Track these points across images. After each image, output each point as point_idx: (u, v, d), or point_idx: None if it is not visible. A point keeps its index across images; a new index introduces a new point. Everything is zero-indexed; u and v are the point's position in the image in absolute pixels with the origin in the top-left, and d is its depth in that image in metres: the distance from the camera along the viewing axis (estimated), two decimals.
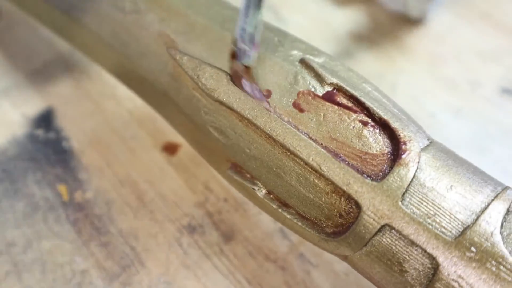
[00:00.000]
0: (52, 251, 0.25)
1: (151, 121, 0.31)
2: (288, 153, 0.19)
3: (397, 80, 0.33)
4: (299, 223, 0.19)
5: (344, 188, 0.18)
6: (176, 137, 0.30)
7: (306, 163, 0.19)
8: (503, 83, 0.33)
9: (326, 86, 0.20)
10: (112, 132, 0.30)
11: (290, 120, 0.19)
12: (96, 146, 0.29)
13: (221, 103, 0.20)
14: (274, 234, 0.26)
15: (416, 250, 0.17)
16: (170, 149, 0.29)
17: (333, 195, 0.18)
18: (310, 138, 0.19)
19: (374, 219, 0.17)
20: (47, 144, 0.29)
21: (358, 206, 0.18)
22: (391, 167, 0.18)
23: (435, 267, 0.16)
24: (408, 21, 0.36)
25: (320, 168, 0.18)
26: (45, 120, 0.31)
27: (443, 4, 0.18)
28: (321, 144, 0.19)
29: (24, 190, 0.27)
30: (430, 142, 0.19)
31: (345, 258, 0.19)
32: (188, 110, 0.22)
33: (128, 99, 0.32)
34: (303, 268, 0.25)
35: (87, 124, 0.30)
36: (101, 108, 0.31)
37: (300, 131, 0.19)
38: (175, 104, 0.22)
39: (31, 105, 0.31)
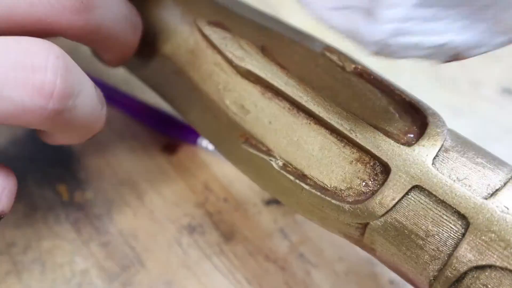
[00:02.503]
0: (52, 251, 0.25)
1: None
2: (313, 123, 0.19)
3: (397, 80, 0.33)
4: (318, 193, 0.19)
5: (375, 151, 0.18)
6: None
7: (334, 131, 0.19)
8: (503, 83, 0.33)
9: (351, 69, 0.20)
10: (112, 132, 0.30)
11: (319, 93, 0.20)
12: (96, 146, 0.29)
13: (248, 73, 0.20)
14: (274, 234, 0.26)
15: (446, 211, 0.17)
16: (170, 149, 0.29)
17: (358, 163, 0.19)
18: (340, 107, 0.19)
19: (404, 181, 0.17)
20: (47, 144, 0.29)
21: (385, 171, 0.18)
22: (418, 138, 0.18)
23: (466, 227, 0.16)
24: None
25: (350, 132, 0.18)
26: None
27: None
28: (351, 113, 0.19)
29: (24, 190, 0.27)
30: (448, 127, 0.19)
31: (361, 233, 0.19)
32: (205, 86, 0.22)
33: None
34: (303, 268, 0.25)
35: None
36: None
37: (329, 100, 0.19)
38: (189, 82, 0.22)
39: None
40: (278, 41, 0.22)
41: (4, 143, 0.29)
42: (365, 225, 0.18)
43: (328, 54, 0.21)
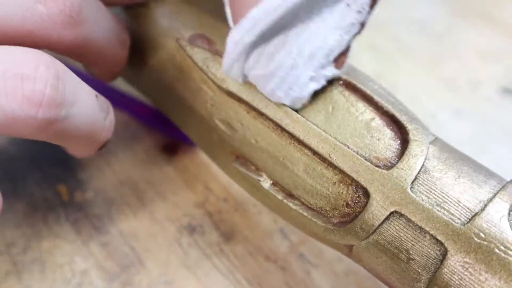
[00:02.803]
0: (51, 251, 0.25)
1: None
2: (296, 143, 0.19)
3: (397, 80, 0.33)
4: (305, 213, 0.19)
5: (354, 175, 0.18)
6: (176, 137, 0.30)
7: (315, 152, 0.19)
8: (503, 83, 0.33)
9: (334, 81, 0.20)
10: (112, 132, 0.30)
11: (299, 112, 0.19)
12: None
13: (230, 94, 0.20)
14: (274, 234, 0.26)
15: (424, 236, 0.17)
16: (170, 149, 0.29)
17: (341, 184, 0.19)
18: (319, 128, 0.19)
19: (383, 206, 0.17)
20: (47, 144, 0.29)
21: (366, 194, 0.18)
22: (399, 157, 0.18)
23: (444, 253, 0.16)
24: (411, 23, 0.36)
25: (329, 156, 0.18)
26: None
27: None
28: (330, 134, 0.19)
29: (23, 190, 0.27)
30: (435, 138, 0.19)
31: (349, 250, 0.19)
32: (194, 103, 0.22)
33: None
34: (303, 268, 0.25)
35: None
36: None
37: (309, 121, 0.19)
38: (180, 98, 0.22)
39: None
40: (244, 85, 0.21)
41: (4, 143, 0.29)
42: (351, 244, 0.19)
43: None
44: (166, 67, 0.23)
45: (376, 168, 0.18)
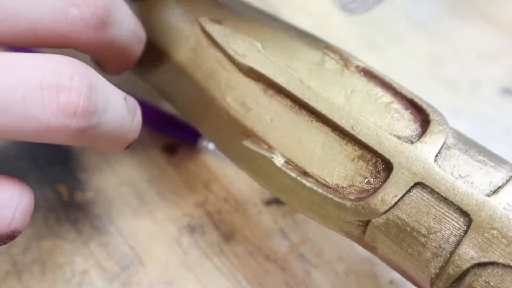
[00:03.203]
0: (52, 251, 0.25)
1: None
2: (315, 120, 0.19)
3: (397, 80, 0.33)
4: (319, 190, 0.19)
5: (377, 148, 0.18)
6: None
7: (335, 129, 0.19)
8: (503, 83, 0.33)
9: (352, 68, 0.20)
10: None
11: (320, 90, 0.20)
12: None
13: (250, 70, 0.20)
14: (274, 234, 0.26)
15: (449, 208, 0.17)
16: (170, 149, 0.29)
17: (360, 160, 0.19)
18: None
19: (407, 177, 0.17)
20: (47, 144, 0.29)
21: (387, 168, 0.18)
22: (420, 135, 0.18)
23: (468, 224, 0.16)
24: (411, 23, 0.36)
25: (352, 129, 0.18)
26: None
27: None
28: (353, 110, 0.19)
29: None
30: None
31: (362, 231, 0.19)
32: (206, 84, 0.22)
33: None
34: (303, 268, 0.25)
35: None
36: None
37: (331, 98, 0.19)
38: (191, 80, 0.22)
39: None
40: (279, 39, 0.22)
41: (4, 143, 0.29)
42: (367, 223, 0.18)
43: (329, 52, 0.21)
44: (181, 50, 0.23)
45: (400, 141, 0.18)
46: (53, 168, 0.28)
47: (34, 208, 0.27)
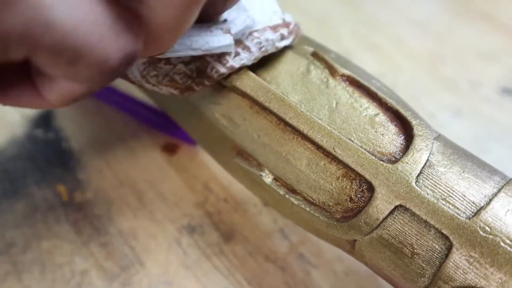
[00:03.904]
0: (51, 251, 0.25)
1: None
2: (300, 138, 0.19)
3: (397, 80, 0.33)
4: (307, 209, 0.19)
5: (358, 169, 0.18)
6: (175, 137, 0.30)
7: (319, 147, 0.19)
8: (503, 83, 0.33)
9: (338, 77, 0.20)
10: (112, 132, 0.30)
11: (303, 106, 0.19)
12: (96, 146, 0.29)
13: (234, 88, 0.20)
14: (274, 234, 0.26)
15: (429, 231, 0.17)
16: (170, 149, 0.29)
17: (344, 179, 0.19)
18: (323, 123, 0.19)
19: (387, 200, 0.17)
20: (47, 144, 0.29)
21: (370, 188, 0.18)
22: (403, 152, 0.18)
23: (449, 247, 0.16)
24: (411, 23, 0.36)
25: (333, 150, 0.18)
26: (45, 120, 0.31)
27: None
28: (334, 128, 0.19)
29: (23, 190, 0.27)
30: (438, 134, 0.19)
31: (351, 246, 0.19)
32: (195, 100, 0.22)
33: None
34: (303, 268, 0.25)
35: (87, 124, 0.30)
36: (101, 108, 0.31)
37: (314, 116, 0.19)
38: (181, 98, 0.22)
39: None
40: (248, 79, 0.21)
41: (4, 143, 0.29)
42: (354, 240, 0.18)
43: (314, 61, 0.21)
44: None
45: (381, 162, 0.18)
46: (53, 168, 0.28)
47: (34, 208, 0.27)
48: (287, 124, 0.19)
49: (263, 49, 0.20)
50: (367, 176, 0.18)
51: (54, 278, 0.24)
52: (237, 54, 0.20)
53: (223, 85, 0.21)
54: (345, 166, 0.18)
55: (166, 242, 0.26)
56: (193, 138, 0.24)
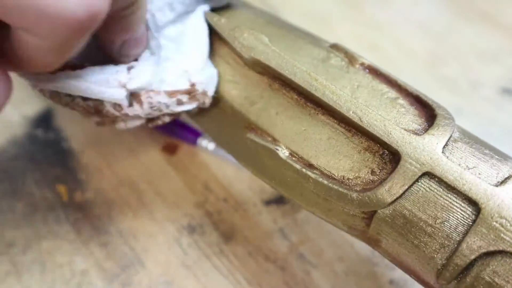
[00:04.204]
0: (51, 251, 0.25)
1: None
2: (321, 114, 0.19)
3: None
4: (325, 182, 0.19)
5: (384, 138, 0.18)
6: (176, 138, 0.30)
7: (342, 120, 0.19)
8: (503, 83, 0.33)
9: (358, 65, 0.20)
10: (112, 132, 0.30)
11: (327, 83, 0.20)
12: (96, 146, 0.29)
13: (257, 63, 0.20)
14: (274, 234, 0.26)
15: (457, 197, 0.17)
16: (170, 149, 0.29)
17: (367, 152, 0.19)
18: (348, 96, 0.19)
19: (415, 167, 0.17)
20: (47, 144, 0.29)
21: (394, 160, 0.18)
22: (427, 129, 0.18)
23: (476, 213, 0.16)
24: (411, 23, 0.36)
25: (360, 120, 0.18)
26: (45, 120, 0.31)
27: None
28: (360, 102, 0.19)
29: (23, 190, 0.27)
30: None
31: (367, 223, 0.18)
32: None
33: None
34: (303, 268, 0.25)
35: (87, 124, 0.30)
36: None
37: (338, 90, 0.19)
38: None
39: (30, 105, 0.31)
40: (284, 37, 0.22)
41: (4, 143, 0.29)
42: (372, 215, 0.18)
43: (333, 51, 0.21)
44: None
45: (407, 133, 0.18)
46: (53, 168, 0.28)
47: (34, 208, 0.27)
48: (308, 99, 0.20)
49: (154, 108, 0.21)
50: (393, 145, 0.18)
51: (54, 278, 0.24)
52: (131, 104, 0.21)
53: (242, 63, 0.21)
54: (369, 138, 0.19)
55: (166, 242, 0.26)
56: (198, 123, 0.24)
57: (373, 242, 0.19)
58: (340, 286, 0.24)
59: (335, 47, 0.21)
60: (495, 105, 0.32)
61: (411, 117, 0.19)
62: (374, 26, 0.36)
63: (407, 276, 0.24)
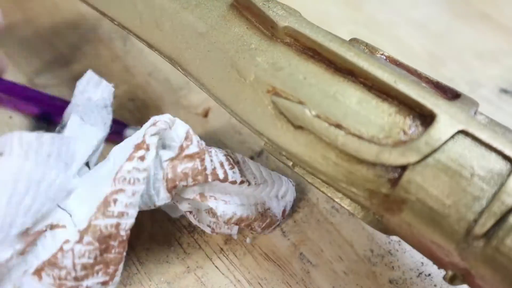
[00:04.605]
0: None
1: None
2: (351, 81, 0.20)
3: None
4: (355, 138, 0.19)
5: (419, 99, 0.18)
6: None
7: (376, 82, 0.19)
8: (502, 83, 0.33)
9: (378, 55, 0.21)
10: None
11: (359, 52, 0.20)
12: None
13: (290, 31, 0.21)
14: (274, 233, 0.26)
15: (491, 153, 0.17)
16: None
17: (397, 115, 0.19)
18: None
19: (450, 124, 0.18)
20: None
21: (427, 122, 0.18)
22: (455, 100, 0.19)
23: (511, 168, 0.17)
24: (411, 23, 0.36)
25: (395, 83, 0.19)
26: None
27: None
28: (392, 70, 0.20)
29: None
30: None
31: (393, 183, 0.18)
32: (233, 46, 0.22)
33: (129, 98, 0.32)
34: (303, 268, 0.25)
35: None
36: None
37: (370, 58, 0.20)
38: (214, 42, 0.23)
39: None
40: (307, 24, 0.22)
41: None
42: (400, 173, 0.18)
43: (354, 42, 0.22)
44: (207, 16, 0.23)
45: (441, 96, 0.19)
46: None
47: None
48: (338, 68, 0.20)
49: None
50: (428, 105, 0.18)
51: None
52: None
53: (269, 34, 0.22)
54: (400, 103, 0.19)
55: (167, 241, 0.26)
56: (212, 89, 0.23)
57: (395, 207, 0.19)
58: (340, 285, 0.24)
59: (354, 40, 0.22)
60: (494, 106, 0.32)
61: (437, 95, 0.19)
62: (374, 26, 0.36)
63: (406, 276, 0.24)
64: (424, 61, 0.34)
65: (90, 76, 0.26)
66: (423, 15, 0.37)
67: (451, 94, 0.20)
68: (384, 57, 0.21)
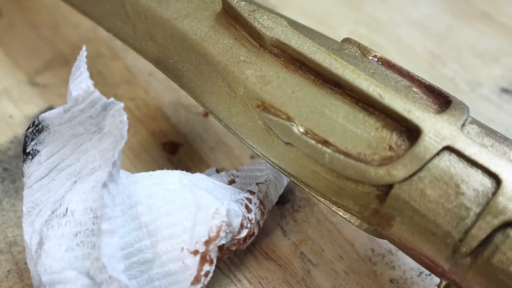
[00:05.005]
0: None
1: (151, 120, 0.31)
2: (338, 94, 0.20)
3: None
4: (341, 157, 0.19)
5: (405, 114, 0.18)
6: (176, 137, 0.30)
7: (363, 96, 0.19)
8: (502, 83, 0.33)
9: (370, 57, 0.21)
10: None
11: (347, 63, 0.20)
12: None
13: (277, 43, 0.21)
14: (274, 233, 0.26)
15: (477, 170, 0.17)
16: (171, 148, 0.30)
17: (384, 129, 0.19)
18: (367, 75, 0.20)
19: (435, 141, 0.18)
20: None
21: (413, 136, 0.18)
22: (443, 111, 0.19)
23: (497, 185, 0.17)
24: (411, 23, 0.36)
25: (380, 96, 0.19)
26: None
27: None
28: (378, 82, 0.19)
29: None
30: None
31: (380, 200, 0.18)
32: (223, 58, 0.22)
33: (128, 98, 0.32)
34: (303, 267, 0.25)
35: None
36: None
37: (357, 70, 0.20)
38: (204, 55, 0.23)
39: (32, 104, 0.31)
40: (298, 26, 0.22)
41: (6, 142, 0.30)
42: (388, 190, 0.18)
43: (346, 44, 0.22)
44: (197, 27, 0.23)
45: (427, 109, 0.18)
46: None
47: None
48: (326, 80, 0.20)
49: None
50: (414, 120, 0.18)
51: None
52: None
53: (257, 45, 0.22)
54: (387, 116, 0.19)
55: None
56: (205, 103, 0.23)
57: (385, 222, 0.19)
58: (340, 285, 0.24)
59: (347, 40, 0.22)
60: (494, 105, 0.32)
61: (426, 103, 0.19)
62: (374, 26, 0.36)
63: (407, 275, 0.24)
64: (425, 61, 0.34)
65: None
66: (424, 15, 0.37)
67: (442, 99, 0.20)
68: (376, 59, 0.21)
